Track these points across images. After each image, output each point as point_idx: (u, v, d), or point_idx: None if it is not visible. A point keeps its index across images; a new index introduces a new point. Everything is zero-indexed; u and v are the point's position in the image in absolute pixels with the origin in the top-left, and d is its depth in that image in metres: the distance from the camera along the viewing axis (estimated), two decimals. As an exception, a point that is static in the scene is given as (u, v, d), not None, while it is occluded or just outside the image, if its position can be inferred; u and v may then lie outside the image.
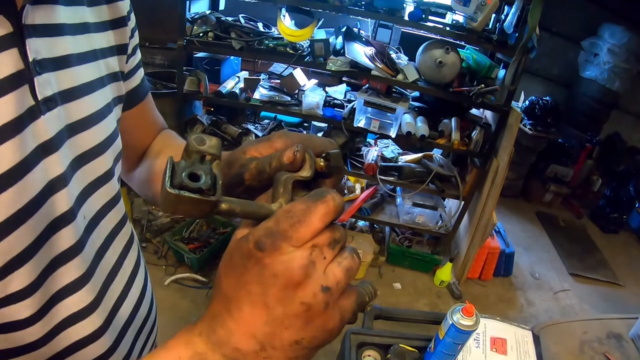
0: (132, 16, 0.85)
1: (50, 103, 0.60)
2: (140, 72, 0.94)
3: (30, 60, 0.56)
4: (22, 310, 0.61)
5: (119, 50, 0.81)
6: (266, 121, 4.18)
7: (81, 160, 0.69)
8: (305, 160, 0.57)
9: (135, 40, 0.88)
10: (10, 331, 0.61)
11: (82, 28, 0.70)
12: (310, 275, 0.46)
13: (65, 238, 0.65)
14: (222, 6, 3.96)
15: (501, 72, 3.41)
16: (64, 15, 0.65)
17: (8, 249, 0.56)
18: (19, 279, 0.59)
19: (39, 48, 0.58)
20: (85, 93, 0.69)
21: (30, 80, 0.57)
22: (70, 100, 0.66)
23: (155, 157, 0.96)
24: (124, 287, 0.83)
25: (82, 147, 0.69)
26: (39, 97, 0.58)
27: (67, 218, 0.65)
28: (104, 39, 0.77)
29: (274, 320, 0.46)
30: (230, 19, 3.43)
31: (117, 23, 0.80)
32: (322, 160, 0.59)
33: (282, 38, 3.34)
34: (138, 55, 0.91)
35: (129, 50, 0.85)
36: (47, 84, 0.60)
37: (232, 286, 0.48)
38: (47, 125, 0.60)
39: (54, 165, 0.62)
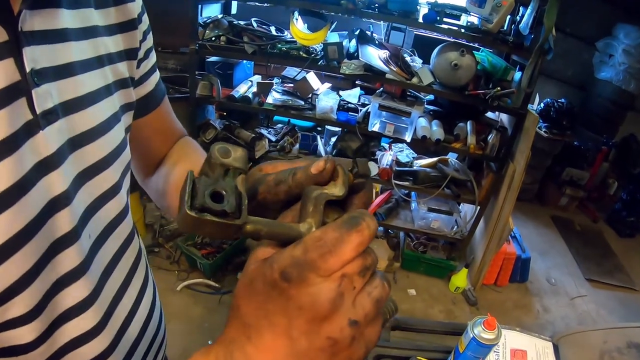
0: (145, 18, 0.81)
1: (51, 116, 0.57)
2: (155, 77, 0.90)
3: (28, 70, 0.53)
4: (24, 334, 0.58)
5: (129, 54, 0.77)
6: (279, 125, 4.16)
7: (86, 176, 0.65)
8: (337, 174, 0.52)
9: (149, 43, 0.84)
10: (11, 356, 0.58)
11: (89, 32, 0.66)
12: (338, 308, 0.42)
13: (69, 259, 0.62)
14: (234, 10, 3.94)
15: (517, 75, 3.36)
16: (67, 19, 0.61)
17: (7, 274, 0.53)
18: (20, 304, 0.56)
19: (37, 57, 0.55)
20: (90, 103, 0.65)
21: (27, 92, 0.53)
22: (73, 112, 0.62)
23: (172, 167, 0.93)
24: (132, 306, 0.80)
25: (87, 161, 0.65)
26: (38, 111, 0.54)
27: (70, 238, 0.61)
28: (112, 43, 0.73)
29: (297, 352, 0.43)
30: (242, 22, 3.42)
31: (127, 26, 0.76)
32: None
33: (295, 42, 3.31)
34: (152, 59, 0.87)
35: (141, 55, 0.81)
36: (47, 95, 0.56)
37: (253, 313, 0.45)
38: (47, 140, 0.56)
39: (55, 183, 0.58)
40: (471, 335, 1.29)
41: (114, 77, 0.73)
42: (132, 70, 0.79)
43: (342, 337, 0.42)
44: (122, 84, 0.76)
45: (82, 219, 0.64)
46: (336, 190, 0.51)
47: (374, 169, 3.66)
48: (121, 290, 0.77)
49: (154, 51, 0.88)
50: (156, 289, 0.96)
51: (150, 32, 0.85)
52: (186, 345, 2.97)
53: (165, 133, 0.99)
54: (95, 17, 0.68)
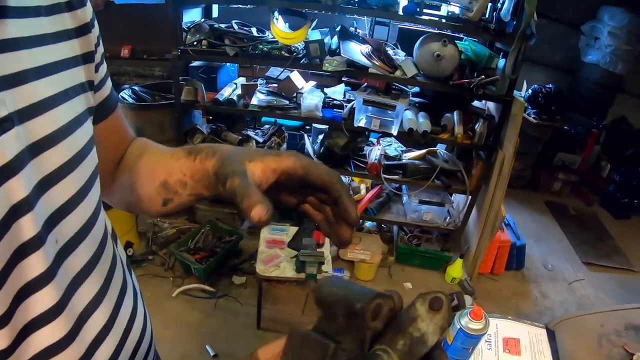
0: (96, 24, 0.81)
1: (6, 124, 0.55)
2: (109, 83, 0.89)
3: None
4: None
5: (85, 58, 0.76)
6: (267, 126, 4.15)
7: (48, 182, 0.64)
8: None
9: (102, 49, 0.84)
10: None
11: (40, 40, 0.65)
12: None
13: (35, 264, 0.61)
14: (215, 13, 3.93)
15: (501, 62, 3.35)
16: (16, 29, 0.60)
17: None
18: None
19: None
20: (48, 108, 0.64)
21: None
22: (30, 118, 0.61)
23: (137, 159, 0.92)
24: (109, 318, 0.78)
25: (49, 166, 0.64)
26: None
27: (34, 244, 0.60)
28: (68, 49, 0.72)
29: None
30: (223, 25, 3.41)
31: (82, 30, 0.75)
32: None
33: (277, 41, 3.31)
34: (105, 65, 0.87)
35: (97, 59, 0.81)
36: (1, 104, 0.55)
37: None
38: (3, 148, 0.55)
39: (16, 189, 0.57)
40: (458, 327, 1.29)
41: (72, 82, 0.71)
42: (90, 74, 0.78)
43: None
44: (82, 88, 0.75)
45: (46, 224, 0.63)
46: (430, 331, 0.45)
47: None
48: (95, 302, 0.75)
49: (104, 58, 0.87)
50: (139, 299, 0.94)
51: (101, 40, 0.84)
52: (184, 351, 2.96)
53: (121, 137, 0.98)
54: (45, 24, 0.67)
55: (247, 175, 0.65)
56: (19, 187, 0.57)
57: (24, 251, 0.59)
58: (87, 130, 0.74)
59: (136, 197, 0.91)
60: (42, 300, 0.63)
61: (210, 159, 0.75)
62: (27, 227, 0.59)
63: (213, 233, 3.84)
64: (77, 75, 0.73)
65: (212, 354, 2.95)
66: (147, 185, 0.86)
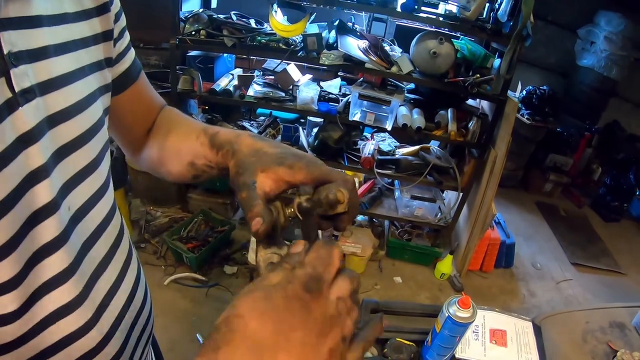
0: (116, 0, 0.84)
1: (29, 95, 0.59)
2: (131, 54, 0.92)
3: (5, 52, 0.56)
4: (6, 303, 0.60)
5: (105, 36, 0.80)
6: (262, 118, 4.16)
7: (64, 151, 0.68)
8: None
9: (122, 23, 0.87)
10: None
11: (61, 19, 0.69)
12: (337, 324, 0.49)
13: (49, 229, 0.64)
14: (214, 4, 3.93)
15: (496, 62, 3.38)
16: (40, 6, 0.64)
17: None
18: (2, 272, 0.58)
19: (14, 40, 0.57)
20: (65, 83, 0.68)
21: (6, 72, 0.56)
22: (49, 92, 0.64)
23: (165, 137, 0.95)
24: (115, 281, 0.82)
25: (65, 137, 0.68)
26: (16, 89, 0.57)
27: (49, 209, 0.64)
28: (87, 28, 0.75)
29: None
30: (222, 16, 3.41)
31: (101, 9, 0.78)
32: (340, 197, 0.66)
33: (275, 34, 3.31)
34: (126, 38, 0.90)
35: (115, 34, 0.84)
36: (24, 75, 0.59)
37: (268, 331, 0.45)
38: (26, 117, 0.59)
39: (35, 156, 0.60)
40: (446, 315, 1.31)
41: (88, 60, 0.75)
42: (108, 51, 0.81)
43: (336, 349, 0.48)
44: (98, 66, 0.78)
45: (61, 191, 0.66)
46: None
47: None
48: (102, 264, 0.78)
49: (127, 31, 0.90)
50: (141, 266, 0.98)
51: (123, 13, 0.87)
52: (174, 338, 2.97)
53: (146, 106, 1.01)
54: (65, 4, 0.71)
55: (256, 188, 0.68)
56: (37, 154, 0.61)
57: (39, 216, 0.62)
58: (99, 106, 0.77)
59: (166, 171, 0.95)
60: (55, 264, 0.66)
61: (230, 158, 0.77)
62: (43, 193, 0.62)
63: (206, 222, 3.85)
64: (94, 53, 0.77)
65: (202, 342, 2.95)
66: (175, 162, 0.90)
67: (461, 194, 3.79)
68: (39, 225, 0.63)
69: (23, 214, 0.60)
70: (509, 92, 3.37)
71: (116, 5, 0.83)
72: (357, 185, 4.20)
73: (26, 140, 0.59)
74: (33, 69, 0.61)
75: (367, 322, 0.57)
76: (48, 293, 0.66)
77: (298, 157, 0.72)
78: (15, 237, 0.58)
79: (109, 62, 0.82)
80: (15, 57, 0.57)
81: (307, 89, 3.57)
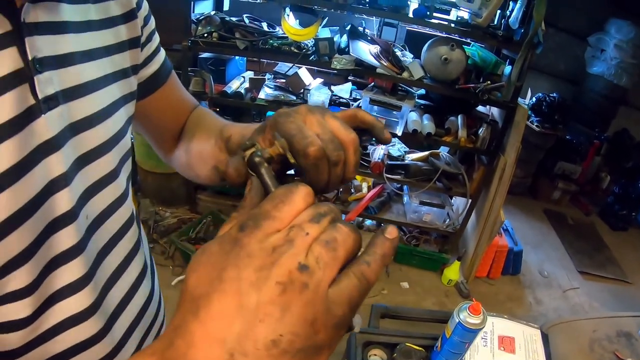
0: (145, 4, 0.84)
1: (52, 102, 0.59)
2: (160, 56, 0.92)
3: (30, 58, 0.56)
4: (19, 309, 0.60)
5: (131, 44, 0.80)
6: (272, 121, 4.16)
7: (85, 160, 0.68)
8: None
9: (151, 26, 0.87)
10: (6, 332, 0.61)
11: (86, 26, 0.69)
12: (286, 252, 0.40)
13: (66, 238, 0.64)
14: (226, 6, 3.94)
15: (507, 69, 3.39)
16: (68, 13, 0.64)
17: (7, 250, 0.56)
18: (17, 279, 0.58)
19: (40, 46, 0.57)
20: (89, 91, 0.68)
21: (30, 78, 0.56)
22: (73, 99, 0.64)
23: (190, 140, 0.95)
24: (128, 292, 0.82)
25: (86, 146, 0.68)
26: (40, 96, 0.57)
27: (67, 218, 0.64)
28: (112, 36, 0.75)
29: (247, 312, 0.38)
30: (234, 19, 3.43)
31: (128, 16, 0.78)
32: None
33: (287, 37, 3.32)
34: (155, 41, 0.90)
35: (143, 39, 0.84)
36: (48, 82, 0.59)
37: (203, 280, 0.41)
38: (48, 124, 0.59)
39: (56, 164, 0.61)
40: (457, 320, 1.31)
41: (112, 68, 0.75)
42: (135, 58, 0.81)
43: (291, 281, 0.38)
44: (123, 74, 0.78)
45: (80, 200, 0.67)
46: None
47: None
48: (116, 274, 0.79)
49: (156, 33, 0.90)
50: (156, 279, 0.98)
51: (152, 16, 0.87)
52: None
53: (177, 106, 1.01)
54: (92, 12, 0.71)
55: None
56: (59, 162, 0.61)
57: (57, 225, 0.63)
58: (123, 115, 0.77)
59: (195, 175, 0.95)
60: (70, 272, 0.66)
61: None
62: (63, 201, 0.63)
63: (214, 224, 3.85)
64: (119, 62, 0.77)
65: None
66: (201, 167, 0.90)
67: (470, 200, 3.79)
68: (56, 234, 0.63)
69: (41, 222, 0.60)
70: (519, 100, 3.37)
71: (145, 9, 0.84)
72: (366, 189, 4.22)
73: (48, 148, 0.59)
74: (58, 76, 0.61)
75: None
76: (61, 301, 0.67)
77: (270, 116, 0.65)
78: (32, 245, 0.59)
79: (135, 70, 0.82)
80: (40, 63, 0.57)
81: (318, 93, 3.58)
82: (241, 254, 0.40)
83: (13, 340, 0.62)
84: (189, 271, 0.42)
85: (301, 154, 0.56)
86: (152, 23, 0.88)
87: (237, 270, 0.39)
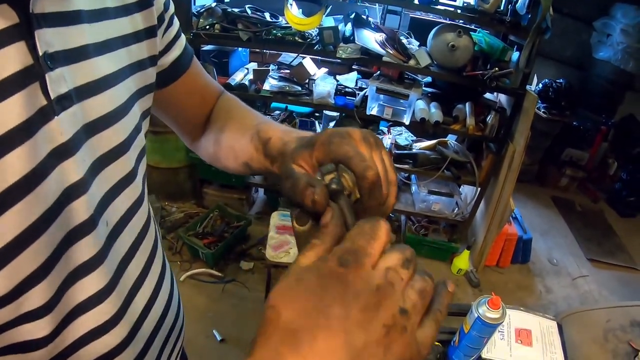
0: None
1: (65, 101, 0.54)
2: (181, 42, 0.87)
3: (41, 54, 0.50)
4: (37, 329, 0.56)
5: (148, 33, 0.74)
6: (277, 112, 4.13)
7: (102, 162, 0.63)
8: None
9: (171, 10, 0.82)
10: (23, 352, 0.56)
11: (102, 14, 0.63)
12: (390, 295, 0.43)
13: (85, 249, 0.60)
14: (228, -3, 3.91)
15: (515, 55, 3.35)
16: (80, 0, 0.58)
17: (21, 267, 0.51)
18: (34, 298, 0.53)
19: (50, 39, 0.52)
20: (106, 87, 0.63)
21: (41, 76, 0.50)
22: (88, 97, 0.59)
23: (220, 131, 0.91)
24: (151, 296, 0.78)
25: (103, 147, 0.63)
26: (52, 96, 0.52)
27: (87, 227, 0.59)
28: (129, 25, 0.70)
29: (353, 350, 0.39)
30: (236, 10, 3.39)
31: (143, 3, 0.72)
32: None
33: (290, 27, 3.29)
34: (176, 25, 0.85)
35: (165, 24, 0.80)
36: (61, 80, 0.53)
37: (303, 314, 0.41)
38: (62, 127, 0.53)
39: (71, 170, 0.55)
40: (476, 315, 1.29)
41: (129, 60, 0.70)
42: (152, 48, 0.76)
43: (394, 324, 0.41)
44: (139, 66, 0.73)
45: (99, 207, 0.62)
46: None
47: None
48: (139, 280, 0.75)
49: (176, 17, 0.85)
50: (174, 278, 0.95)
51: (171, 3, 0.83)
52: (191, 335, 2.95)
53: (201, 94, 0.97)
54: None
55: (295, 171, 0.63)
56: (75, 168, 0.56)
57: (76, 235, 0.58)
58: (137, 111, 0.73)
59: (222, 166, 0.92)
60: (92, 284, 0.62)
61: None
62: (80, 210, 0.58)
63: (221, 218, 3.84)
64: (136, 52, 0.72)
65: (219, 338, 2.96)
66: (231, 160, 0.86)
67: (479, 188, 3.76)
68: (74, 245, 0.58)
69: (58, 235, 0.55)
70: (527, 86, 3.33)
71: None
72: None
73: (62, 153, 0.54)
74: (70, 72, 0.56)
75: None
76: (82, 314, 0.63)
77: (320, 133, 0.65)
78: (49, 260, 0.54)
79: (153, 60, 0.77)
80: (52, 58, 0.52)
81: (323, 83, 3.55)
82: (348, 292, 0.41)
83: (34, 358, 0.58)
84: (280, 298, 0.43)
85: (359, 176, 0.57)
86: (172, 7, 0.83)
87: (344, 308, 0.40)
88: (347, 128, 0.64)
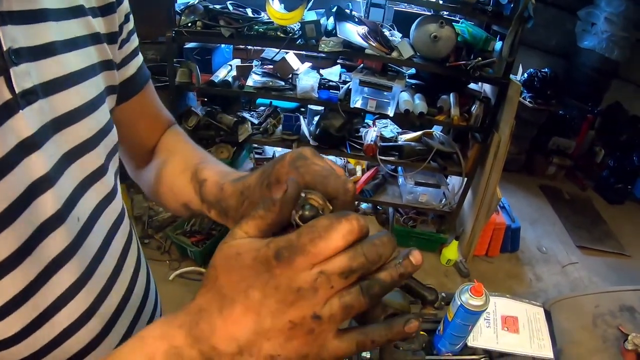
0: (125, 2, 0.79)
1: (30, 96, 0.55)
2: (137, 60, 0.86)
3: (5, 49, 0.51)
4: (7, 327, 0.56)
5: (109, 38, 0.75)
6: (262, 108, 4.12)
7: (71, 157, 0.63)
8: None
9: (130, 25, 0.82)
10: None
11: (71, 12, 0.64)
12: (308, 299, 0.44)
13: (56, 242, 0.60)
14: (209, -6, 3.88)
15: (498, 44, 3.35)
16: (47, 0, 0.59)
17: None
18: (4, 291, 0.54)
19: (15, 36, 0.53)
20: (73, 83, 0.63)
21: (5, 71, 0.51)
22: (54, 92, 0.60)
23: (163, 165, 0.90)
24: (125, 291, 0.78)
25: (72, 142, 0.63)
26: (17, 90, 0.52)
27: (56, 221, 0.59)
28: (96, 25, 0.70)
29: (260, 329, 0.45)
30: (218, 6, 3.36)
31: (106, 10, 0.73)
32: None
33: (272, 22, 3.26)
34: (134, 42, 0.84)
35: (124, 36, 0.79)
36: (26, 75, 0.54)
37: (233, 285, 0.46)
38: (27, 121, 0.54)
39: (37, 164, 0.56)
40: (459, 303, 1.29)
41: (99, 58, 0.71)
42: (114, 54, 0.76)
43: (302, 324, 0.44)
44: (107, 65, 0.74)
45: (68, 201, 0.62)
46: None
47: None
48: (114, 275, 0.74)
49: (135, 34, 0.85)
50: (150, 272, 0.94)
51: (132, 15, 0.82)
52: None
53: (151, 119, 0.96)
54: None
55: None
56: (41, 162, 0.56)
57: (46, 229, 0.58)
58: (108, 107, 0.73)
59: (161, 203, 0.92)
60: (65, 278, 0.63)
61: (225, 219, 0.72)
62: (48, 204, 0.58)
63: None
64: (105, 51, 0.72)
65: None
66: (170, 199, 0.87)
67: (465, 179, 3.76)
68: (46, 239, 0.58)
69: (27, 228, 0.55)
70: (511, 76, 3.33)
71: (125, 7, 0.79)
72: (360, 172, 4.18)
73: (28, 146, 0.54)
74: (37, 68, 0.57)
75: (388, 318, 0.50)
76: (57, 313, 0.62)
77: (274, 161, 0.63)
78: (18, 252, 0.54)
79: (116, 65, 0.77)
80: (17, 54, 0.53)
81: (306, 77, 3.54)
82: (270, 283, 0.44)
83: (7, 357, 0.57)
84: (220, 263, 0.48)
85: (341, 191, 0.55)
86: (132, 22, 0.83)
87: (262, 296, 0.45)
88: (294, 151, 0.62)
